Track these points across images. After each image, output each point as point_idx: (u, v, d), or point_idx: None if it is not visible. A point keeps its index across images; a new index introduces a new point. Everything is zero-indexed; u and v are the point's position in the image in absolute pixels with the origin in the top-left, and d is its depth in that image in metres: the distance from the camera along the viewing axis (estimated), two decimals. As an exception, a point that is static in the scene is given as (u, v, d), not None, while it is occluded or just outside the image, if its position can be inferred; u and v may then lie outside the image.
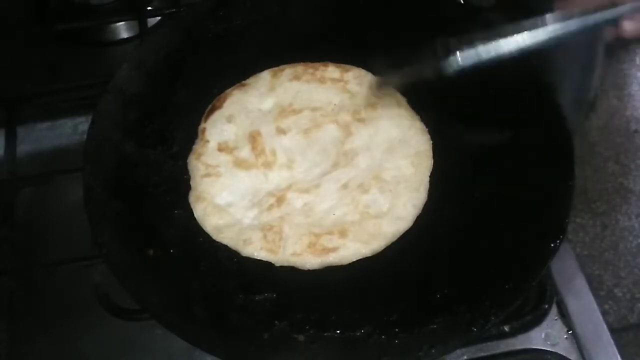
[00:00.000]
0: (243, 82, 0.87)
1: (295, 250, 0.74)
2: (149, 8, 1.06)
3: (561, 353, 0.75)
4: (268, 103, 0.85)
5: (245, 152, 0.82)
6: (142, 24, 1.01)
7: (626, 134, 1.02)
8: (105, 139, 0.77)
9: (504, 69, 0.72)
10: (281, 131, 0.83)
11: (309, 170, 0.80)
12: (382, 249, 0.75)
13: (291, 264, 0.74)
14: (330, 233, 0.75)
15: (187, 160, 0.81)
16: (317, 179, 0.79)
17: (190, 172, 0.81)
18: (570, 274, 0.81)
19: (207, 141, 0.83)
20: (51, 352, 0.78)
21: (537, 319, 0.77)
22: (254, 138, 0.82)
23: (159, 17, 1.05)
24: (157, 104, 0.83)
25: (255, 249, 0.75)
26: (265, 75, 0.87)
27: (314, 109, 0.84)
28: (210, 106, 0.85)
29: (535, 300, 0.78)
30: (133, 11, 1.03)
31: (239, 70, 0.88)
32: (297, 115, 0.84)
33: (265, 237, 0.75)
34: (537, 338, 0.76)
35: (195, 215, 0.78)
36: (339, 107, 0.84)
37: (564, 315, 0.78)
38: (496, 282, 0.69)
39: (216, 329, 0.69)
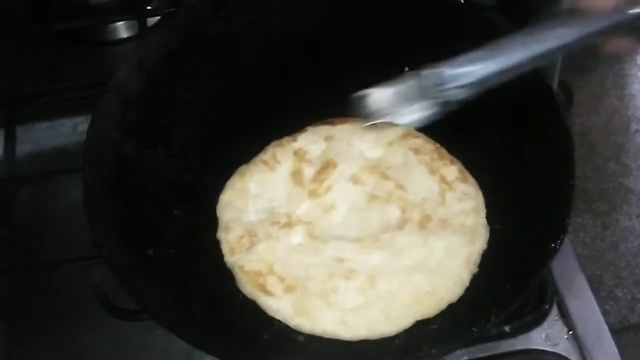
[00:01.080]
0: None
1: None
2: (148, 8, 1.06)
3: (562, 353, 0.75)
4: (377, 153, 0.81)
5: (309, 170, 0.80)
6: (142, 23, 1.01)
7: (627, 134, 1.02)
8: (104, 138, 0.77)
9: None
10: (357, 180, 0.79)
11: (337, 225, 0.76)
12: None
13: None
14: (281, 280, 0.72)
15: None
16: (331, 237, 0.75)
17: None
18: (570, 274, 0.81)
19: (295, 140, 0.82)
20: (51, 352, 0.78)
21: (537, 320, 0.77)
22: (327, 165, 0.80)
23: (159, 17, 1.05)
24: (157, 104, 0.83)
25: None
26: (398, 130, 0.82)
27: (401, 188, 0.78)
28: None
29: (536, 300, 0.78)
30: (132, 11, 1.03)
31: (239, 70, 0.88)
32: (383, 180, 0.79)
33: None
34: (538, 338, 0.76)
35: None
36: (421, 204, 0.77)
37: (565, 316, 0.78)
38: (496, 282, 0.68)
39: (216, 329, 0.69)
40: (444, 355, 0.67)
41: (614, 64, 1.10)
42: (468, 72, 0.74)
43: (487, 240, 0.74)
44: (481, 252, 0.73)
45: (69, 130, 0.97)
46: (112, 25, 1.07)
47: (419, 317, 0.69)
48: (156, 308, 0.67)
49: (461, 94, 0.74)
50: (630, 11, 0.69)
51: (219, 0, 0.88)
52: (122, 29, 1.07)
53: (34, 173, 0.91)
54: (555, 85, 0.84)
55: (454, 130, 0.81)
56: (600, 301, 0.82)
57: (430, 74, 0.75)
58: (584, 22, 0.70)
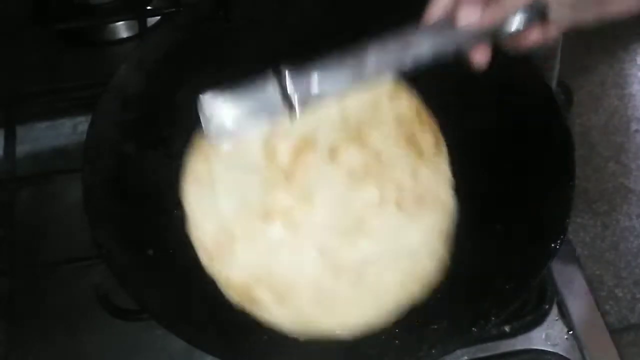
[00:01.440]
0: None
1: None
2: (148, 8, 1.06)
3: (562, 353, 0.75)
4: (361, 117, 0.77)
5: (283, 147, 0.75)
6: (142, 23, 1.01)
7: (627, 134, 1.02)
8: (104, 139, 0.77)
9: (502, 68, 0.72)
10: (335, 155, 0.75)
11: (316, 216, 0.74)
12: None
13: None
14: (270, 289, 0.70)
15: None
16: (313, 229, 0.73)
17: None
18: (570, 274, 0.81)
19: None
20: (50, 352, 0.78)
21: (537, 320, 0.77)
22: (304, 145, 0.76)
23: (159, 17, 1.05)
24: (157, 104, 0.83)
25: None
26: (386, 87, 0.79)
27: (378, 159, 0.76)
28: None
29: (536, 300, 0.78)
30: (133, 11, 1.03)
31: (239, 70, 0.88)
32: (362, 149, 0.75)
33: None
34: (538, 338, 0.76)
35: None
36: (397, 179, 0.76)
37: (565, 316, 0.78)
38: (496, 282, 0.69)
39: (216, 329, 0.69)
40: (444, 355, 0.67)
41: (614, 63, 1.10)
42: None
43: (457, 210, 0.75)
44: (453, 224, 0.75)
45: (69, 130, 0.97)
46: (112, 25, 1.07)
47: (411, 301, 0.69)
48: (156, 308, 0.67)
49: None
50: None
51: (219, 0, 0.88)
52: (122, 29, 1.07)
53: (34, 173, 0.91)
54: (555, 85, 0.84)
55: (452, 131, 0.81)
56: (600, 301, 0.82)
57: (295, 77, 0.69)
58: (449, 33, 0.68)
